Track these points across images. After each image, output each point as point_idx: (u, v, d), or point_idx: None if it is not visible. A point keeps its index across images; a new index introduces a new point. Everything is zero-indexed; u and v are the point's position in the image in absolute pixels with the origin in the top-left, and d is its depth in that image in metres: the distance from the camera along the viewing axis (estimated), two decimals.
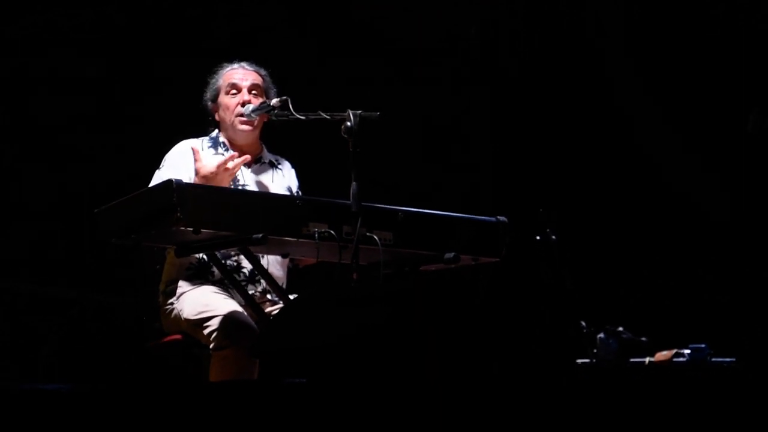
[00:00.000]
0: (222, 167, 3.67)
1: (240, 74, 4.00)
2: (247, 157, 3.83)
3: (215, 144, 3.99)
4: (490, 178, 5.52)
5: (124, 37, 5.30)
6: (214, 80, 4.02)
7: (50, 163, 5.19)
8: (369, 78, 5.39)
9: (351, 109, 3.56)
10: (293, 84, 4.03)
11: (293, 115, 3.73)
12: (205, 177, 3.67)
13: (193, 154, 3.75)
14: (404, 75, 5.52)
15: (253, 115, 3.92)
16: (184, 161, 3.87)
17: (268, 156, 4.07)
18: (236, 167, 3.71)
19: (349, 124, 3.55)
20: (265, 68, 4.04)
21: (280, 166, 4.09)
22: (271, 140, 4.12)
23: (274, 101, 3.81)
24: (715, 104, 5.24)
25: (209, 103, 4.02)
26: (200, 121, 4.07)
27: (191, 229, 3.39)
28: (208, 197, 3.45)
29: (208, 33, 5.33)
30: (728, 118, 5.13)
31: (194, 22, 5.35)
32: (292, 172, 4.12)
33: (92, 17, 5.23)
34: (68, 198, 5.15)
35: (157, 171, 3.88)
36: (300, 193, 4.08)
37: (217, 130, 4.03)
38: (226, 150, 3.97)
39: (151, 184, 3.76)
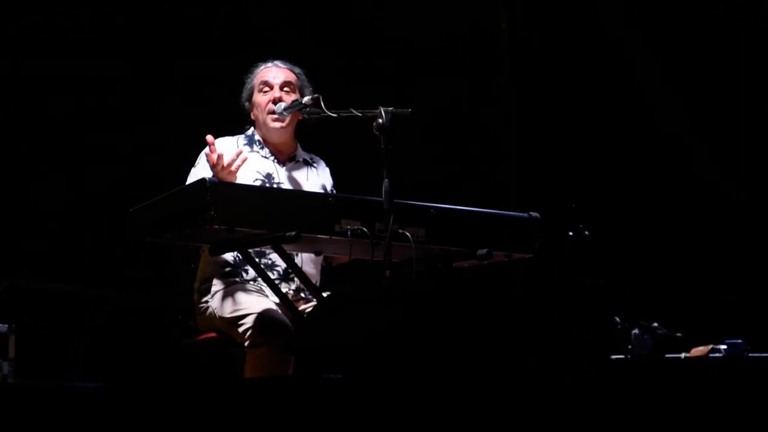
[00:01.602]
0: (222, 167, 3.65)
1: (273, 72, 4.02)
2: (245, 157, 3.77)
3: (251, 142, 4.02)
4: (523, 173, 5.50)
5: (144, 36, 5.33)
6: (249, 79, 4.05)
7: (78, 163, 5.23)
8: (392, 75, 5.39)
9: (382, 106, 3.56)
10: (321, 82, 4.04)
11: (325, 112, 3.74)
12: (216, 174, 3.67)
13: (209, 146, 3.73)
14: (427, 71, 5.52)
15: (284, 112, 3.93)
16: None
17: (302, 154, 4.09)
18: (236, 166, 3.69)
19: (381, 121, 3.55)
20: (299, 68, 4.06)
21: (314, 165, 4.10)
22: (306, 139, 4.13)
23: (306, 99, 3.83)
24: (743, 103, 5.20)
25: (246, 103, 4.04)
26: (227, 120, 4.08)
27: (225, 227, 3.41)
28: (242, 196, 3.46)
29: (231, 33, 5.35)
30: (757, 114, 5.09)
31: (216, 21, 5.37)
32: (327, 170, 4.13)
33: (113, 17, 5.27)
34: (99, 198, 5.18)
35: (192, 169, 3.91)
36: (334, 191, 4.09)
37: (253, 128, 4.05)
38: (261, 148, 4.00)
39: (187, 183, 3.78)
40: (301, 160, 4.07)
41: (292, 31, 5.42)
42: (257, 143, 4.01)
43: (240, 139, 4.02)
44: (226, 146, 3.94)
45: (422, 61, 5.54)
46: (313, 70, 4.08)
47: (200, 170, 3.85)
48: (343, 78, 5.30)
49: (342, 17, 5.52)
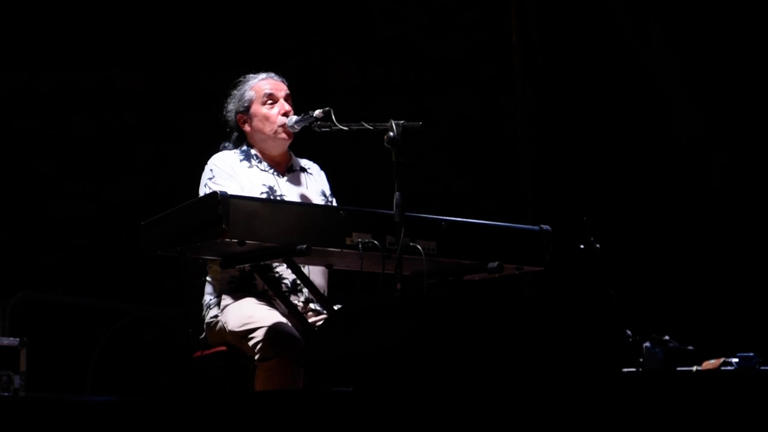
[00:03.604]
0: None
1: (273, 84, 4.00)
2: None
3: (248, 156, 3.99)
4: (533, 186, 5.50)
5: (163, 52, 5.35)
6: (240, 91, 4.01)
7: (93, 177, 5.25)
8: (401, 87, 5.40)
9: (393, 119, 3.57)
10: (330, 94, 4.05)
11: (336, 125, 3.74)
12: None
13: None
14: (439, 83, 5.54)
15: (296, 126, 3.94)
16: (231, 173, 3.89)
17: (297, 163, 4.09)
18: None
19: (392, 134, 3.56)
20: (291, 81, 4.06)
21: (310, 171, 4.10)
22: (317, 151, 4.12)
23: (317, 112, 3.83)
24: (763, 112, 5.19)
25: (236, 115, 4.01)
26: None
27: (236, 240, 3.41)
28: (253, 209, 3.47)
29: (238, 47, 5.37)
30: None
31: (228, 36, 5.39)
32: (322, 174, 4.12)
33: (131, 34, 5.30)
34: (109, 211, 5.20)
35: (208, 181, 3.89)
36: (332, 193, 4.09)
37: (245, 144, 4.02)
38: (260, 161, 3.98)
39: (200, 195, 3.80)
40: (297, 168, 4.06)
41: (311, 43, 5.43)
42: (255, 157, 3.99)
43: (237, 154, 4.00)
44: (228, 161, 3.94)
45: (438, 75, 5.56)
46: (330, 81, 4.08)
47: (215, 183, 3.85)
48: (358, 91, 5.31)
49: (360, 31, 5.54)
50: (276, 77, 4.02)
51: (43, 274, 5.14)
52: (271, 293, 3.81)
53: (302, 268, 3.73)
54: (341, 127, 3.73)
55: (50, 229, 5.16)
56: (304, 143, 4.01)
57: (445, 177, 5.43)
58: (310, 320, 3.84)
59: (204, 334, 3.93)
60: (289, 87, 4.01)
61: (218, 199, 3.41)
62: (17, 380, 4.46)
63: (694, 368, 3.51)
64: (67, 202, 5.19)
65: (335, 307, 3.73)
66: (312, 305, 3.89)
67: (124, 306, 5.23)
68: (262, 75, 4.01)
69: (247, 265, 3.71)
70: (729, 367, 3.47)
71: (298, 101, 4.00)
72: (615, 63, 5.46)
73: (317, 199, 4.01)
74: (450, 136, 5.46)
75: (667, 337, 3.66)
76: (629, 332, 3.65)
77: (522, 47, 5.54)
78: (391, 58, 5.55)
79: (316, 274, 3.89)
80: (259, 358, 3.69)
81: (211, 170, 3.93)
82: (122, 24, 5.30)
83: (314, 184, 4.05)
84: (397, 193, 3.51)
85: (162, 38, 5.38)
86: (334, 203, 4.06)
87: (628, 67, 5.44)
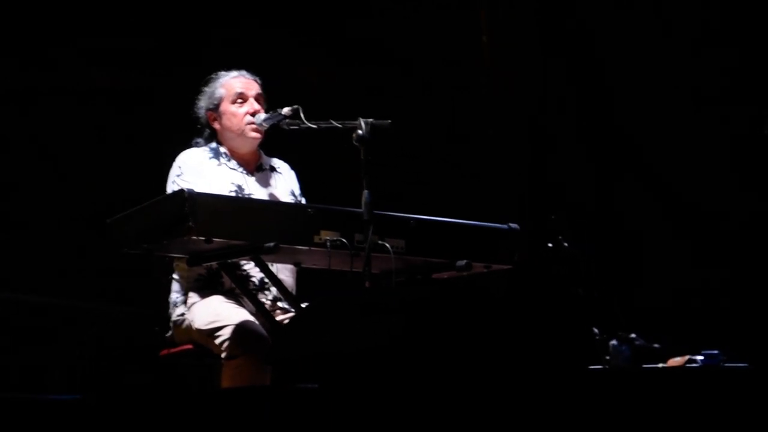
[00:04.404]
0: None
1: (244, 83, 3.99)
2: None
3: (216, 154, 3.98)
4: (503, 185, 5.52)
5: (131, 49, 5.32)
6: (211, 89, 4.00)
7: (57, 173, 5.21)
8: (372, 88, 5.41)
9: (362, 118, 3.57)
10: (301, 93, 4.04)
11: (305, 123, 3.73)
12: None
13: None
14: (411, 83, 5.55)
15: (264, 123, 3.93)
16: (199, 170, 3.88)
17: (267, 162, 4.08)
18: None
19: (360, 132, 3.56)
20: (263, 79, 4.05)
21: (279, 170, 4.09)
22: (274, 146, 4.11)
23: (286, 110, 3.82)
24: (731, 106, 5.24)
25: (205, 111, 4.00)
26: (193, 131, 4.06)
27: (203, 238, 3.40)
28: (220, 207, 3.46)
29: (205, 43, 5.35)
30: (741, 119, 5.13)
31: (192, 32, 5.37)
32: (292, 173, 4.11)
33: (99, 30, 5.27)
34: (74, 208, 5.16)
35: (176, 179, 3.87)
36: (302, 193, 4.08)
37: (215, 141, 4.01)
38: (228, 159, 3.97)
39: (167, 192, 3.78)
40: (267, 167, 4.05)
41: (287, 38, 5.43)
42: (224, 155, 3.98)
43: (206, 152, 3.98)
44: (197, 158, 3.92)
45: (409, 74, 5.56)
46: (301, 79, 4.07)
47: (183, 180, 3.83)
48: (329, 89, 5.31)
49: (335, 31, 5.54)
50: (248, 75, 4.01)
51: (6, 272, 5.09)
52: (239, 291, 3.79)
53: (270, 266, 3.72)
54: (310, 125, 3.72)
55: (12, 227, 5.11)
56: (277, 141, 4.00)
57: (414, 176, 5.43)
58: (278, 318, 3.83)
59: (170, 332, 3.91)
60: (261, 86, 4.00)
61: (185, 196, 3.39)
62: None
63: (660, 366, 3.54)
64: (30, 199, 5.15)
65: (303, 305, 3.73)
66: (280, 303, 3.88)
67: (90, 304, 5.19)
68: (234, 73, 4.00)
69: (214, 263, 3.69)
70: (694, 365, 3.50)
71: (268, 98, 4.00)
72: (583, 61, 5.50)
73: (286, 199, 4.00)
74: (423, 135, 5.47)
75: (633, 335, 3.69)
76: (596, 330, 3.67)
77: (492, 47, 5.56)
78: (362, 58, 5.55)
79: (283, 272, 3.89)
80: (225, 356, 3.68)
81: (179, 167, 3.91)
82: (88, 20, 5.26)
83: (283, 184, 4.04)
84: (366, 191, 3.51)
85: (131, 34, 5.35)
86: (304, 203, 4.05)
87: (597, 65, 5.47)
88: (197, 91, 4.02)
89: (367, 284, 3.45)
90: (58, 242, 5.15)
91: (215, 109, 3.98)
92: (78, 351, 5.11)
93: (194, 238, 3.39)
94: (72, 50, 5.25)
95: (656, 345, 3.59)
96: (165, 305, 3.94)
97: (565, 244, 3.93)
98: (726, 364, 3.46)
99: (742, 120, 5.12)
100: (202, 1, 5.42)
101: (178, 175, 3.88)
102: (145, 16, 5.34)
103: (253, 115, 3.95)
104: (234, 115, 3.96)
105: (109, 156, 5.26)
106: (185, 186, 3.56)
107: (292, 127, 3.80)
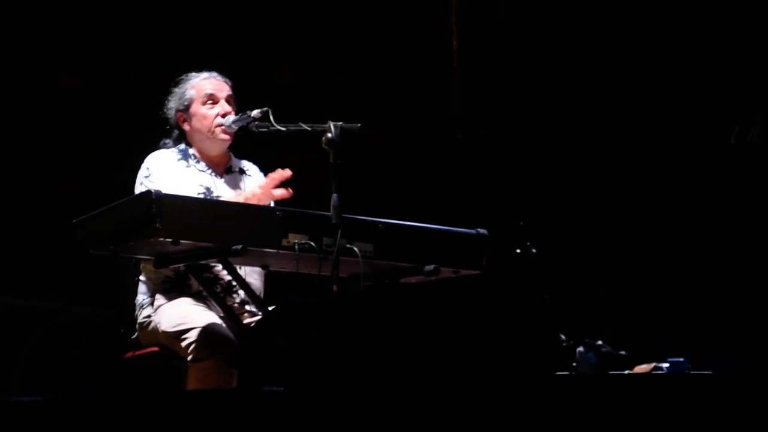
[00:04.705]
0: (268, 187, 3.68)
1: (215, 85, 3.98)
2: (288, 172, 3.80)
3: (185, 156, 3.96)
4: (472, 190, 5.54)
5: (100, 47, 5.29)
6: (182, 89, 3.98)
7: (21, 172, 5.16)
8: (344, 90, 5.41)
9: (332, 121, 3.56)
10: (272, 95, 4.03)
11: (274, 126, 3.72)
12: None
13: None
14: (382, 86, 5.55)
15: (233, 126, 3.91)
16: (168, 172, 3.85)
17: (237, 164, 4.06)
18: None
19: (330, 135, 3.55)
20: (233, 80, 4.03)
21: (248, 172, 4.07)
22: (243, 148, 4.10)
23: (255, 112, 3.80)
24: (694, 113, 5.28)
25: (175, 112, 3.98)
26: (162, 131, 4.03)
27: (170, 240, 3.38)
28: (188, 208, 3.43)
29: (169, 43, 5.33)
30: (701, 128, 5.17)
31: (157, 32, 5.35)
32: (261, 176, 4.10)
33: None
34: (39, 207, 5.11)
35: (144, 180, 3.85)
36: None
37: (184, 143, 3.99)
38: (197, 161, 3.95)
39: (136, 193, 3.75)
40: (237, 170, 4.04)
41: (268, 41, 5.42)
42: (192, 157, 3.96)
43: (174, 153, 3.96)
44: (165, 160, 3.90)
45: (380, 77, 5.57)
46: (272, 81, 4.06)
47: (151, 181, 3.80)
48: (299, 91, 5.30)
49: (306, 33, 5.53)
50: (219, 77, 4.00)
51: None
52: (206, 294, 3.77)
53: (238, 269, 3.70)
54: (279, 127, 3.71)
55: None
56: (246, 143, 3.99)
57: (385, 179, 5.43)
58: (246, 321, 3.81)
59: (136, 334, 3.88)
60: (232, 88, 3.99)
61: (152, 197, 3.37)
62: None
63: (626, 373, 3.55)
64: None
65: (270, 309, 3.71)
66: (248, 306, 3.86)
67: (53, 304, 5.15)
68: (205, 74, 3.99)
69: (181, 265, 3.67)
70: (660, 372, 3.52)
71: (238, 100, 3.99)
72: (552, 67, 5.52)
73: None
74: (390, 139, 5.47)
75: (600, 342, 3.70)
76: (563, 336, 3.68)
77: (462, 51, 5.57)
78: (333, 60, 5.54)
79: (251, 275, 3.87)
80: (192, 358, 3.65)
81: (148, 168, 3.89)
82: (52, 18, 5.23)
83: (252, 186, 4.03)
84: (335, 194, 3.50)
85: (100, 34, 5.31)
86: (272, 205, 4.03)
87: (566, 70, 5.50)
88: (166, 92, 4.00)
89: (334, 288, 3.44)
90: (21, 242, 5.10)
91: (185, 110, 3.96)
92: (40, 352, 5.07)
93: (161, 239, 3.36)
94: (39, 49, 5.20)
95: (622, 352, 3.61)
96: (131, 307, 3.91)
97: (533, 250, 3.94)
98: (692, 372, 3.48)
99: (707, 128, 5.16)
100: (166, 2, 5.40)
101: (146, 177, 3.86)
102: (114, 15, 5.31)
103: (223, 117, 3.93)
104: (204, 117, 3.94)
105: (75, 156, 5.22)
106: (153, 187, 3.54)
107: (261, 130, 3.78)
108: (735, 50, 5.22)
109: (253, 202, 3.75)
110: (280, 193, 3.79)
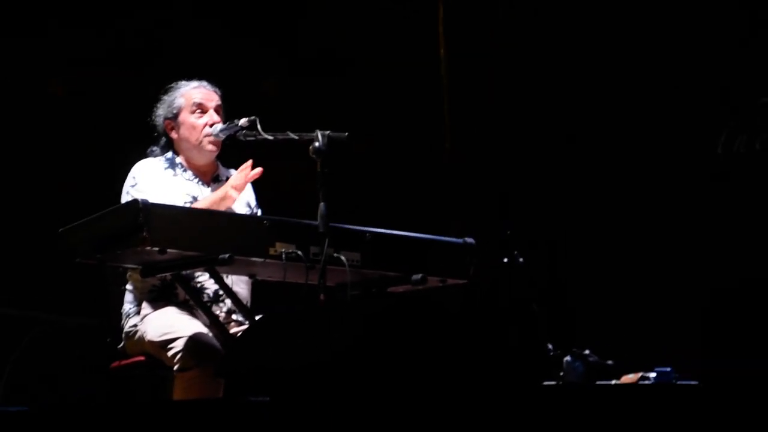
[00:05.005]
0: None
1: (204, 94, 3.97)
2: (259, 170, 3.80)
3: (172, 165, 3.95)
4: (459, 199, 5.54)
5: (88, 54, 5.28)
6: (171, 97, 3.97)
7: (9, 178, 5.14)
8: (329, 98, 5.41)
9: (319, 130, 3.56)
10: (260, 104, 4.02)
11: (261, 135, 3.72)
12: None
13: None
14: (367, 94, 5.55)
15: (221, 135, 3.90)
16: (155, 181, 3.85)
17: (224, 173, 4.05)
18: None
19: (317, 144, 3.55)
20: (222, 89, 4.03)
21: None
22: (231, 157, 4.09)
23: (243, 121, 3.80)
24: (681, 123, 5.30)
25: (163, 120, 3.97)
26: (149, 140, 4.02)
27: (157, 249, 3.37)
28: (175, 217, 3.43)
29: (155, 51, 5.32)
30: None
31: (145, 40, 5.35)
32: (249, 186, 4.09)
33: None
34: (24, 215, 5.10)
35: (130, 189, 3.84)
36: (258, 205, 4.06)
37: (171, 151, 3.98)
38: (184, 170, 3.95)
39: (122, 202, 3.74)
40: (224, 179, 4.03)
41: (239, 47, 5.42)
42: (179, 166, 3.95)
43: (161, 162, 3.95)
44: (152, 169, 3.89)
45: (365, 85, 5.57)
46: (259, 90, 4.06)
47: (137, 190, 3.79)
48: (287, 101, 5.30)
49: (291, 41, 5.54)
50: (208, 86, 3.99)
51: None
52: (193, 303, 3.76)
53: (225, 278, 3.69)
54: (266, 136, 3.70)
55: None
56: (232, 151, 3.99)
57: (372, 188, 5.43)
58: (232, 331, 3.80)
59: (122, 343, 3.86)
60: (221, 97, 3.98)
61: (139, 206, 3.36)
62: None
63: (613, 382, 3.56)
64: None
65: (257, 318, 3.70)
66: (234, 316, 3.86)
67: (39, 314, 5.12)
68: (195, 83, 3.98)
69: (168, 274, 3.66)
70: (647, 382, 3.52)
71: (226, 108, 3.98)
72: (541, 75, 5.53)
73: (241, 210, 3.97)
74: (378, 148, 5.47)
75: (587, 352, 3.71)
76: (550, 346, 3.69)
77: (449, 60, 5.58)
78: (321, 69, 5.55)
79: (238, 284, 3.86)
80: (178, 368, 3.64)
81: (134, 177, 3.88)
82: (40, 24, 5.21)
83: (239, 196, 4.01)
84: (322, 203, 3.50)
85: (87, 39, 5.30)
86: (260, 214, 4.03)
87: (554, 79, 5.52)
88: (152, 99, 3.99)
89: (321, 297, 3.44)
90: (7, 251, 5.08)
91: (173, 118, 3.95)
92: (26, 361, 5.04)
93: (148, 248, 3.36)
94: (25, 54, 5.19)
95: (609, 362, 3.61)
96: (117, 316, 3.90)
97: (521, 260, 3.95)
98: (679, 381, 3.49)
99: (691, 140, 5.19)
100: (153, 8, 5.40)
101: (132, 186, 3.85)
102: (100, 20, 5.30)
103: (211, 126, 3.92)
104: (193, 126, 3.93)
105: (61, 164, 5.20)
106: (140, 197, 3.53)
107: (248, 139, 3.78)
108: (724, 60, 5.24)
109: (231, 194, 3.72)
110: (254, 173, 3.76)
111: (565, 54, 5.51)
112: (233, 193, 3.76)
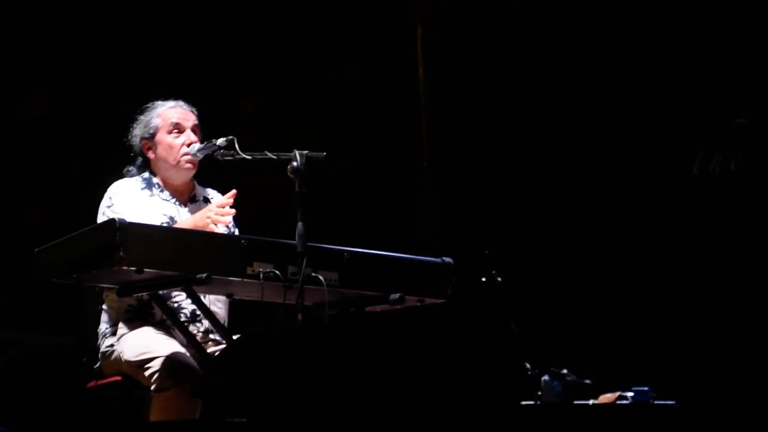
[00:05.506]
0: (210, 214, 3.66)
1: (181, 113, 3.96)
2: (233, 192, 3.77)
3: (149, 185, 3.93)
4: (437, 219, 5.55)
5: (66, 75, 5.27)
6: (147, 117, 3.96)
7: None
8: (307, 118, 5.42)
9: (297, 149, 3.56)
10: (237, 123, 4.02)
11: (239, 154, 3.71)
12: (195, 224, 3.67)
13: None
14: (345, 116, 5.57)
15: (199, 154, 3.90)
16: (131, 201, 3.83)
17: (201, 192, 4.04)
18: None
19: (295, 164, 3.55)
20: (198, 108, 4.02)
21: (213, 201, 4.05)
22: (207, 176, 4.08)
23: (220, 141, 3.79)
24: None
25: (140, 140, 3.96)
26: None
27: (134, 268, 3.35)
28: (152, 237, 3.42)
29: (138, 70, 5.32)
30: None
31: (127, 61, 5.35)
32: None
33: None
34: (4, 235, 5.07)
35: (106, 210, 3.82)
36: (235, 224, 4.05)
37: (148, 171, 3.97)
38: (161, 191, 3.93)
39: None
40: (201, 198, 4.01)
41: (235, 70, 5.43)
42: (156, 186, 3.94)
43: (138, 182, 3.94)
44: (129, 189, 3.88)
45: (343, 107, 5.59)
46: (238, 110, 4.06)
47: (113, 211, 3.78)
48: (264, 121, 5.31)
49: (268, 62, 5.55)
50: (185, 106, 3.98)
51: None
52: (170, 323, 3.74)
53: (202, 298, 3.68)
54: (244, 156, 3.70)
55: None
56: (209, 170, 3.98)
57: (350, 208, 5.44)
58: (210, 350, 3.78)
59: (99, 363, 3.84)
60: (198, 117, 3.97)
61: (116, 225, 3.35)
62: None
63: (591, 402, 3.56)
64: None
65: (235, 338, 3.69)
66: (212, 335, 3.84)
67: (14, 334, 5.09)
68: (171, 103, 3.97)
69: (145, 294, 3.64)
70: (624, 401, 3.53)
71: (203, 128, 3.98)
72: (517, 95, 5.56)
73: (219, 230, 3.96)
74: (356, 168, 5.48)
75: (565, 371, 3.72)
76: (528, 365, 3.69)
77: (427, 80, 5.61)
78: (297, 89, 5.56)
79: (215, 303, 3.84)
80: (155, 388, 3.62)
81: (111, 198, 3.86)
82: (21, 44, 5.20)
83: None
84: (300, 223, 3.49)
85: (66, 60, 5.29)
86: (237, 233, 4.02)
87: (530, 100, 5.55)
88: (129, 119, 3.98)
89: (299, 317, 3.43)
90: None
91: (150, 138, 3.94)
92: (2, 382, 5.00)
93: (125, 268, 3.34)
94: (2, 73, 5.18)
95: (587, 381, 3.62)
96: (94, 336, 3.87)
97: (499, 279, 3.95)
98: (656, 401, 3.50)
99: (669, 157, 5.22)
100: (132, 27, 5.40)
101: (108, 206, 3.83)
102: (77, 43, 5.30)
103: (188, 146, 3.91)
104: (170, 146, 3.91)
105: (37, 184, 5.18)
106: (116, 217, 3.51)
107: (226, 158, 3.77)
108: (699, 79, 5.28)
109: (212, 228, 3.71)
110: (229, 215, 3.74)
111: (541, 73, 5.54)
112: (212, 226, 3.73)
